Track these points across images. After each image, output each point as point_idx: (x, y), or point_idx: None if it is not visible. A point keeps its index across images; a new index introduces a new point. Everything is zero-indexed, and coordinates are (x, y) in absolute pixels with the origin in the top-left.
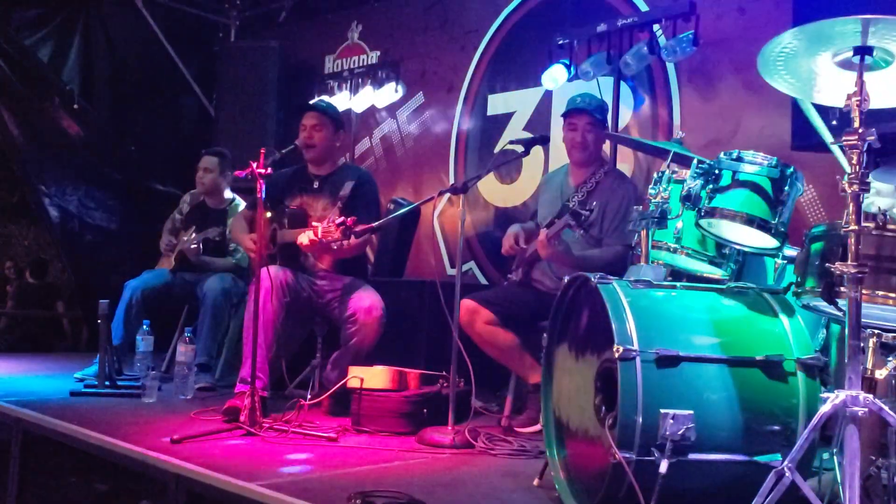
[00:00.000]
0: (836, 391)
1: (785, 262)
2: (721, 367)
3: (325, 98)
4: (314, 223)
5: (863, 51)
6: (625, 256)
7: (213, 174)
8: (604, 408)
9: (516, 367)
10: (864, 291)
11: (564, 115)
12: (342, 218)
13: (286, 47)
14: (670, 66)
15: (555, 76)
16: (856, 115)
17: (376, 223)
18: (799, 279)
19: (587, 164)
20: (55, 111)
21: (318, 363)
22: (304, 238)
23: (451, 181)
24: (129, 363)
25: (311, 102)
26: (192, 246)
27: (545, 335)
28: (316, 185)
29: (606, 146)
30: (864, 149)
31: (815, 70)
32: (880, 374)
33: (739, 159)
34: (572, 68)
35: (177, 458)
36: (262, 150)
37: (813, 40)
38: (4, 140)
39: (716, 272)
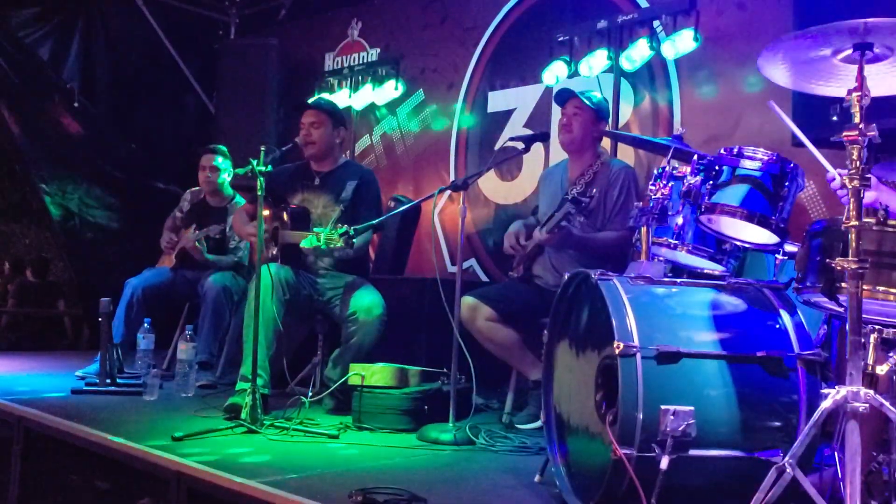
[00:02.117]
0: (836, 387)
1: (786, 257)
2: (722, 363)
3: (326, 95)
4: (316, 229)
5: (863, 47)
6: (628, 240)
7: (220, 172)
8: (604, 404)
9: (517, 364)
10: (864, 287)
11: (556, 101)
12: (345, 226)
13: (286, 45)
14: (670, 63)
15: (555, 73)
16: (856, 110)
17: (375, 220)
18: (800, 275)
19: (578, 152)
20: (55, 109)
21: (318, 361)
22: (307, 244)
23: (452, 178)
24: (130, 361)
25: (310, 100)
26: (195, 244)
27: (545, 332)
28: (317, 181)
29: (607, 143)
30: (865, 144)
31: (815, 64)
32: (881, 369)
33: (740, 155)
34: (573, 64)
35: (178, 456)
36: (262, 148)
37: (813, 43)
38: (5, 139)
39: (716, 268)
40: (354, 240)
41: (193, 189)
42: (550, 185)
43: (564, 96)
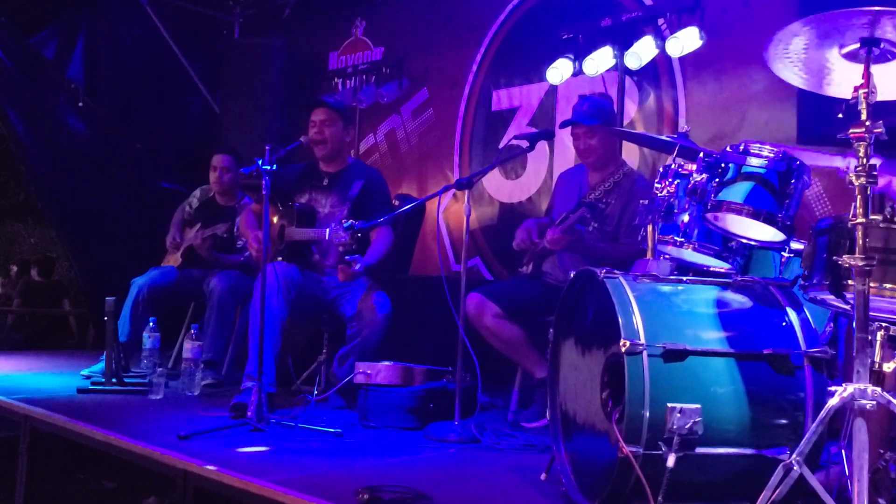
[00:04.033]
0: (844, 384)
1: (792, 255)
2: (728, 361)
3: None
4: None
5: (870, 43)
6: (636, 257)
7: (232, 173)
8: (611, 402)
9: (523, 362)
10: (871, 284)
11: (563, 126)
12: (350, 221)
13: (290, 44)
14: (675, 60)
15: (560, 71)
16: (863, 107)
17: (382, 219)
18: (806, 272)
19: (602, 167)
20: (60, 109)
21: (324, 359)
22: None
23: (456, 177)
24: (135, 360)
25: (320, 98)
26: (201, 242)
27: (551, 329)
28: (325, 181)
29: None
30: (872, 141)
31: (822, 61)
32: (888, 367)
33: (746, 152)
34: (577, 63)
35: (184, 455)
36: (268, 147)
37: (821, 33)
38: (10, 138)
39: (722, 266)
40: (374, 246)
41: (204, 186)
42: (567, 187)
43: (571, 124)
